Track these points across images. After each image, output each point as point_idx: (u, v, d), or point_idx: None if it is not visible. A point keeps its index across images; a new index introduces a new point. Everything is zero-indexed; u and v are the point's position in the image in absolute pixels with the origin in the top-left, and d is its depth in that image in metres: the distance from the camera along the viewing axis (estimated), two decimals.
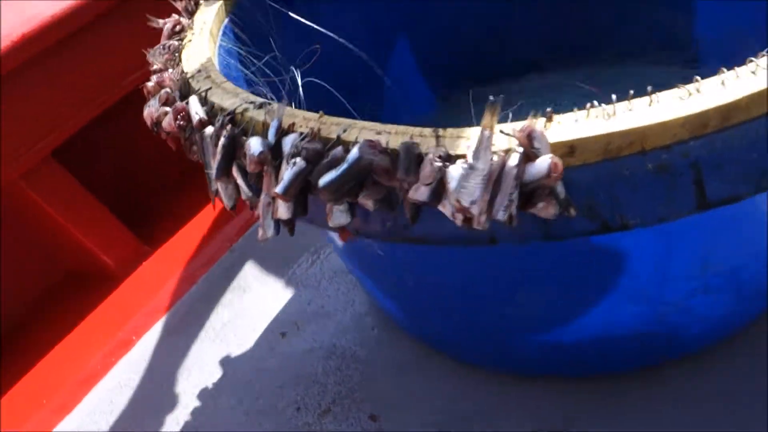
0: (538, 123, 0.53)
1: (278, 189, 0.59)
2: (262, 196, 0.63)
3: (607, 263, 0.67)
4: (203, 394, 0.98)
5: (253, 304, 1.10)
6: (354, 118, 0.67)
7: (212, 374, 1.01)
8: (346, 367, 0.95)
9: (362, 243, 0.75)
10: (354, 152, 0.56)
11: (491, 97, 0.53)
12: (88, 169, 1.33)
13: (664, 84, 1.08)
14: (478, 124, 0.55)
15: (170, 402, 0.99)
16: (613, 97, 0.54)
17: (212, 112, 0.70)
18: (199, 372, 1.02)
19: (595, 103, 0.54)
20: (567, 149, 0.52)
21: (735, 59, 0.56)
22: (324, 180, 0.56)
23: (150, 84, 0.82)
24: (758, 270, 0.74)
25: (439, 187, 0.54)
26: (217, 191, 0.70)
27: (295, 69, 0.89)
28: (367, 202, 0.57)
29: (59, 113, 1.25)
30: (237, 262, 1.18)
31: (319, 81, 0.89)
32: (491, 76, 1.25)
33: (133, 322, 1.14)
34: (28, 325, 1.27)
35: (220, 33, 0.91)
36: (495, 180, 0.52)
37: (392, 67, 1.17)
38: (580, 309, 0.72)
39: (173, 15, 0.94)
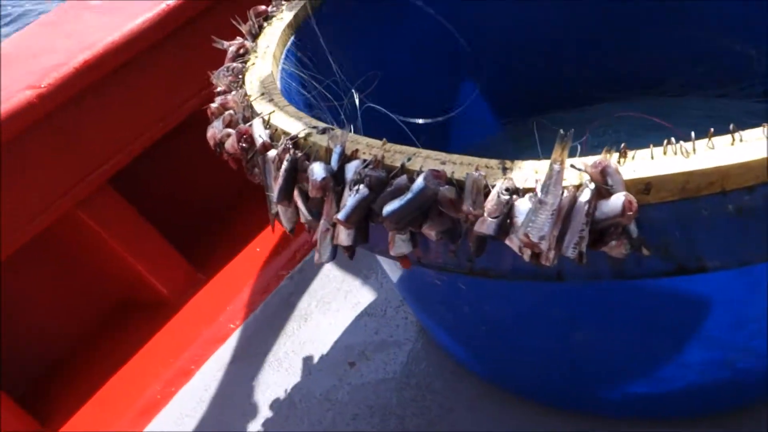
0: (612, 158, 0.51)
1: (340, 215, 0.58)
2: (322, 221, 0.62)
3: (684, 307, 0.64)
4: (271, 424, 0.97)
5: (316, 332, 1.09)
6: (413, 143, 0.66)
7: (280, 404, 0.99)
8: (422, 398, 0.92)
9: (432, 285, 0.74)
10: (419, 182, 0.54)
11: (561, 131, 0.52)
12: (143, 196, 1.34)
13: (728, 117, 1.04)
14: (543, 153, 0.53)
15: None
16: (692, 134, 0.52)
17: (275, 135, 0.70)
18: (265, 402, 1.01)
19: (672, 139, 0.52)
20: (642, 187, 0.50)
21: None
22: (388, 209, 0.55)
23: (214, 105, 0.83)
24: None
25: (506, 221, 0.52)
26: (277, 214, 0.69)
27: (356, 93, 0.89)
28: (431, 233, 0.56)
29: (116, 141, 1.26)
30: (296, 289, 1.17)
31: (377, 107, 0.89)
32: (555, 105, 1.23)
33: (192, 350, 1.14)
34: (83, 354, 1.28)
35: (283, 56, 0.92)
36: (565, 216, 0.50)
37: (459, 93, 1.17)
38: (652, 354, 0.69)
39: (237, 38, 0.95)
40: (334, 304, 1.13)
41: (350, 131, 0.65)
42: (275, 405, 0.99)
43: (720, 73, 1.16)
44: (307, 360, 1.05)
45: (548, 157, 0.52)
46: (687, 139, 0.52)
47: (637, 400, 0.76)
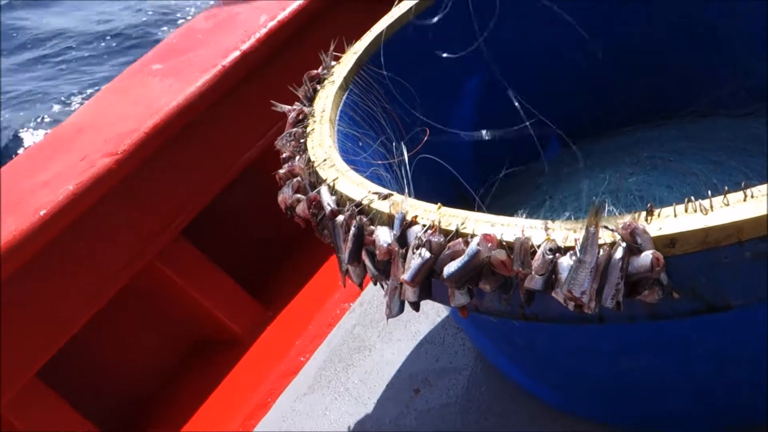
0: (640, 220, 0.59)
1: (406, 276, 0.67)
2: (390, 280, 0.71)
3: (710, 338, 0.72)
4: None
5: (381, 362, 1.17)
6: (466, 191, 0.74)
7: None
8: (485, 421, 0.99)
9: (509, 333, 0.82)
10: (473, 246, 0.63)
11: (594, 198, 0.60)
12: (212, 243, 1.46)
13: (755, 136, 1.10)
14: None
15: None
16: (708, 192, 0.59)
17: (341, 201, 0.80)
18: (340, 430, 1.09)
19: (692, 198, 0.59)
20: (668, 242, 0.58)
21: None
22: (448, 271, 0.64)
23: (282, 171, 0.93)
24: None
25: (551, 277, 0.61)
26: (347, 272, 0.79)
27: (404, 148, 0.98)
28: (486, 287, 0.65)
29: (185, 195, 1.39)
30: (359, 321, 1.26)
31: (432, 157, 0.98)
32: (594, 130, 1.30)
33: (266, 384, 1.24)
34: (167, 391, 1.39)
35: (337, 118, 1.01)
36: (602, 272, 0.58)
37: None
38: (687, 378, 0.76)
39: (296, 103, 1.05)
40: (395, 334, 1.22)
41: (409, 194, 0.75)
42: None
43: (745, 92, 1.22)
44: (374, 389, 1.13)
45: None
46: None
47: (683, 416, 0.83)
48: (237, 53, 1.45)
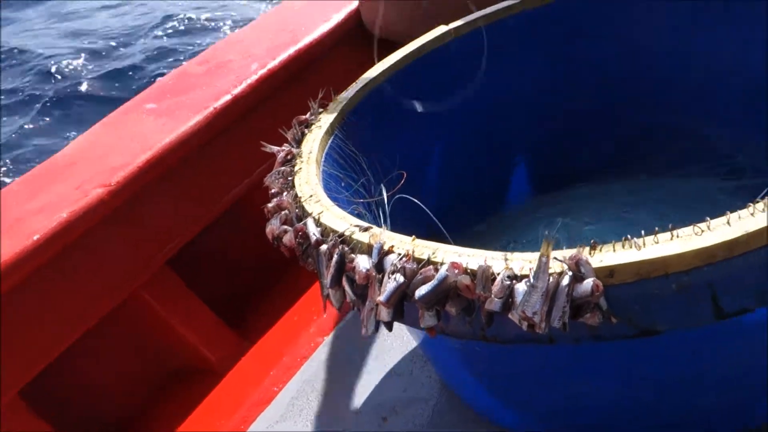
0: (585, 252, 0.69)
1: (382, 298, 0.76)
2: (367, 303, 0.80)
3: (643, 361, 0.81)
4: None
5: (351, 392, 1.23)
6: (438, 227, 0.84)
7: None
8: None
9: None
10: (442, 272, 0.73)
11: (546, 232, 0.70)
12: (195, 273, 1.53)
13: (705, 193, 1.23)
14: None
15: None
16: (642, 232, 0.70)
17: (325, 232, 0.89)
18: None
19: (629, 236, 0.70)
20: (607, 272, 0.68)
21: None
22: (419, 293, 0.73)
23: (270, 205, 1.02)
24: None
25: (509, 300, 0.70)
26: (327, 295, 0.87)
27: (384, 189, 1.08)
28: (451, 310, 0.74)
29: (173, 228, 1.47)
30: (331, 354, 1.33)
31: (408, 196, 1.08)
32: (560, 182, 1.41)
33: (240, 413, 1.29)
34: (140, 418, 1.44)
35: (323, 160, 1.11)
36: (551, 296, 0.68)
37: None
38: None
39: (285, 144, 1.14)
40: (365, 366, 1.29)
41: (387, 228, 0.84)
42: None
43: (696, 153, 1.35)
44: (344, 417, 1.20)
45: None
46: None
47: None
48: (228, 97, 1.55)
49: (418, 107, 1.26)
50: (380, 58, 1.31)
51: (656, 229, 0.70)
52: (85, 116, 4.38)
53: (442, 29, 1.32)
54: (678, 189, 1.28)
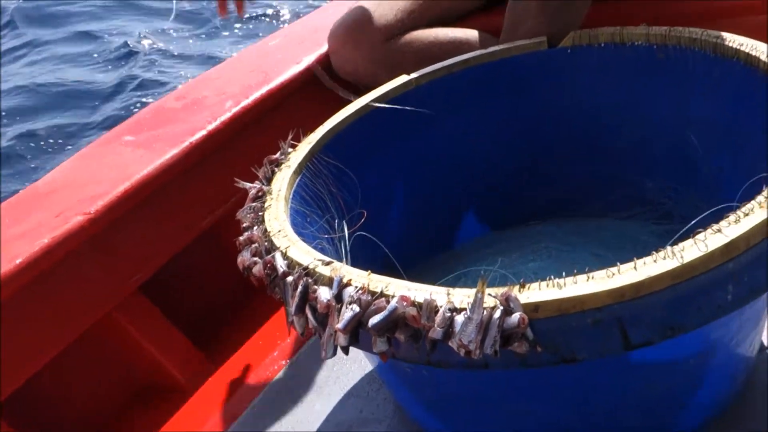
0: (514, 290, 0.80)
1: (339, 325, 0.86)
2: (327, 329, 0.90)
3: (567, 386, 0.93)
4: None
5: (311, 412, 1.32)
6: (395, 265, 0.94)
7: None
8: None
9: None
10: (392, 304, 0.83)
11: (482, 271, 0.81)
12: (164, 297, 1.62)
13: (635, 236, 1.37)
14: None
15: None
16: (563, 273, 0.82)
17: (291, 264, 0.99)
18: None
19: (552, 277, 0.81)
20: (533, 308, 0.79)
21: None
22: (372, 322, 0.84)
23: (241, 238, 1.12)
24: None
25: (449, 330, 0.81)
26: (292, 322, 0.97)
27: (346, 225, 1.19)
28: (400, 337, 0.84)
29: (147, 254, 1.56)
30: (294, 375, 1.42)
31: (367, 234, 1.19)
32: (504, 223, 1.54)
33: (206, 428, 1.38)
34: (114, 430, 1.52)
35: (291, 197, 1.21)
36: (485, 326, 0.79)
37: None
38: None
39: (255, 182, 1.25)
40: (325, 389, 1.38)
41: (347, 263, 0.94)
42: None
43: (633, 200, 1.48)
44: None
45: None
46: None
47: None
48: (203, 132, 1.65)
49: (379, 151, 1.37)
50: (347, 102, 1.42)
51: (575, 271, 0.81)
52: None
53: (403, 78, 1.44)
54: (616, 231, 1.40)
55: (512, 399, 0.99)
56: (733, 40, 1.21)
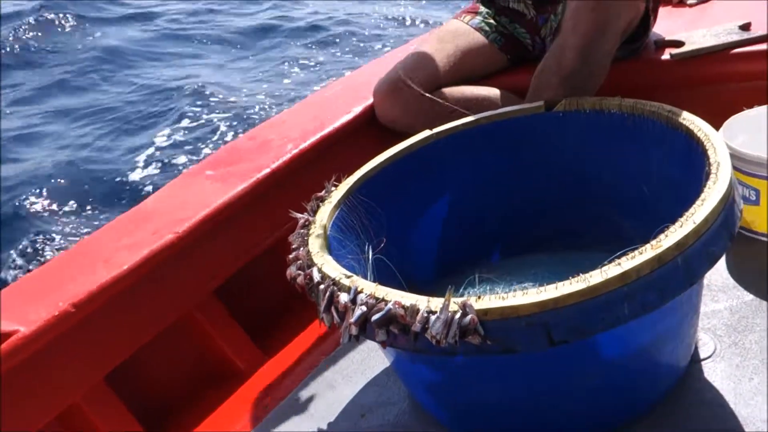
0: (471, 300, 1.15)
1: (352, 320, 1.23)
2: (344, 323, 1.27)
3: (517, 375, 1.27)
4: None
5: (341, 395, 1.66)
6: (399, 279, 1.31)
7: None
8: None
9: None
10: (388, 306, 1.19)
11: (450, 285, 1.16)
12: (232, 300, 2.02)
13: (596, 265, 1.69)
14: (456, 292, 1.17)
15: None
16: (513, 287, 1.16)
17: (323, 276, 1.36)
18: None
19: (498, 290, 1.16)
20: (483, 312, 1.14)
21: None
22: (374, 318, 1.20)
23: (291, 256, 1.50)
24: None
25: (425, 325, 1.16)
26: (322, 318, 1.34)
27: (370, 249, 1.56)
28: (394, 330, 1.20)
29: (220, 266, 1.97)
30: (330, 367, 1.77)
31: (382, 257, 1.55)
32: (512, 251, 1.86)
33: (259, 406, 1.76)
34: (189, 405, 1.90)
35: (330, 226, 1.59)
36: (449, 324, 1.14)
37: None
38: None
39: (304, 213, 1.63)
40: (353, 378, 1.73)
41: (367, 278, 1.31)
42: None
43: (611, 236, 1.79)
44: (334, 413, 1.64)
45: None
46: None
47: None
48: (267, 170, 2.05)
49: (403, 191, 1.74)
50: (384, 148, 1.80)
51: (515, 287, 1.16)
52: None
53: (426, 132, 1.81)
54: (595, 262, 1.72)
55: (475, 382, 1.33)
56: (682, 115, 1.53)
